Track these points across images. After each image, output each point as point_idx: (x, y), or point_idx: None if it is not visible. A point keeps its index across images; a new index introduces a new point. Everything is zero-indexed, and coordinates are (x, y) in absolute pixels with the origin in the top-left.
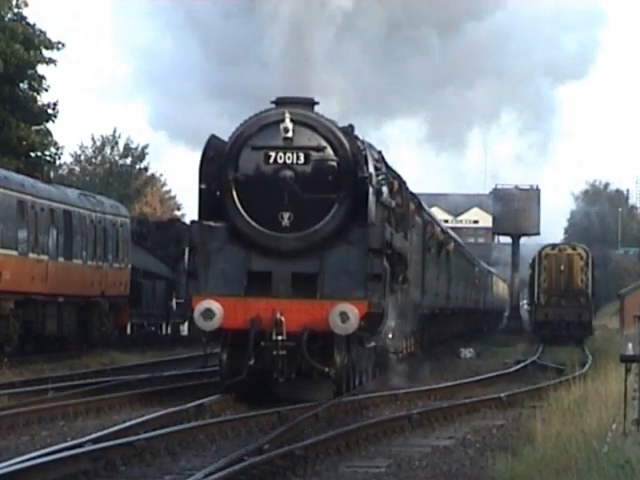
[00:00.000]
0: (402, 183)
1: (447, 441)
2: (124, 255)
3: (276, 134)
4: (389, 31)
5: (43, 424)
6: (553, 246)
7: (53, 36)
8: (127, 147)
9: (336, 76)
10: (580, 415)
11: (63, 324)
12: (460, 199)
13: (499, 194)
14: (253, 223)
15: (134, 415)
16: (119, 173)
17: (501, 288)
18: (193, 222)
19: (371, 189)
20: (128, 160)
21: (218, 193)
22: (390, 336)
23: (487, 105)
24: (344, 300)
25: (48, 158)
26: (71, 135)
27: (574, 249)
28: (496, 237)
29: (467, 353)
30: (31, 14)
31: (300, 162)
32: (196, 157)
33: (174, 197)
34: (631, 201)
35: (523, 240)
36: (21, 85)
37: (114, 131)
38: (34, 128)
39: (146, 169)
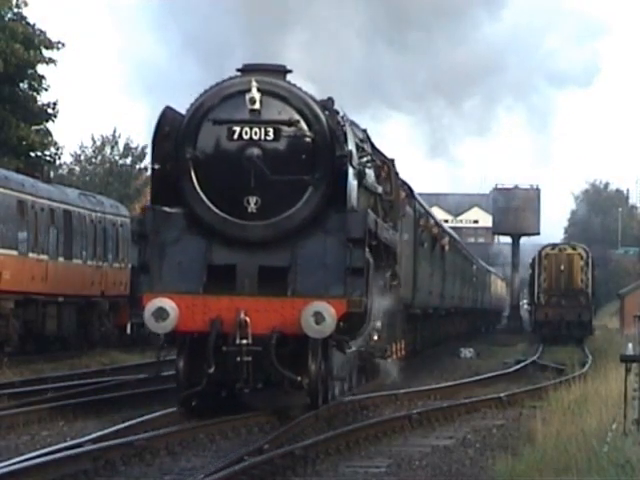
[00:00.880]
0: (391, 168)
1: (447, 441)
2: (124, 255)
3: (241, 106)
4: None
5: (43, 424)
6: (553, 246)
7: (53, 36)
8: (127, 147)
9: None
10: (580, 415)
11: (63, 324)
12: (460, 199)
13: (499, 194)
14: (214, 209)
15: (134, 415)
16: (119, 173)
17: (499, 287)
18: (145, 208)
19: (351, 170)
20: (128, 160)
21: (174, 174)
22: (376, 338)
23: (487, 103)
24: (319, 298)
25: (48, 158)
26: (71, 135)
27: (574, 249)
28: (496, 237)
29: (467, 353)
30: (31, 14)
31: (269, 138)
32: None
33: None
34: (631, 201)
35: (523, 240)
36: (21, 85)
37: (114, 131)
38: (34, 128)
39: (146, 169)
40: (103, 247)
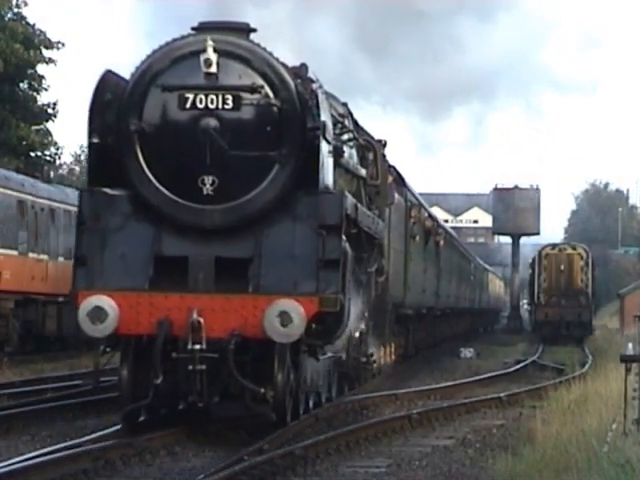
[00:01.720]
0: (378, 150)
1: (447, 441)
2: None
3: (195, 69)
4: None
5: (43, 424)
6: (553, 246)
7: (53, 36)
8: None
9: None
10: (580, 415)
11: (63, 324)
12: (460, 199)
13: (499, 194)
14: (164, 191)
15: None
16: None
17: (497, 286)
18: (83, 191)
19: (325, 145)
20: None
21: (116, 150)
22: (357, 342)
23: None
24: (286, 296)
25: (48, 158)
26: (71, 135)
27: (574, 249)
28: (496, 237)
29: (467, 353)
30: (31, 14)
31: (227, 107)
32: None
33: None
34: (631, 201)
35: (523, 240)
36: (21, 85)
37: None
38: (34, 128)
39: None
40: None
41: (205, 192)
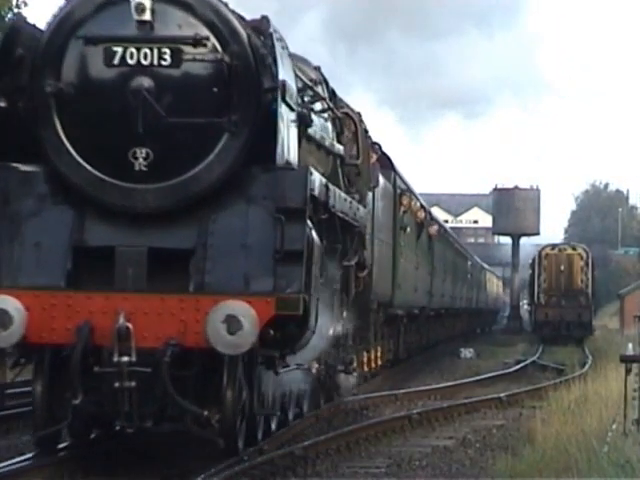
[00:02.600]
0: (358, 124)
1: (447, 441)
2: None
3: (125, 17)
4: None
5: None
6: (553, 246)
7: None
8: None
9: None
10: (580, 415)
11: None
12: (460, 199)
13: (499, 194)
14: (86, 166)
15: None
16: None
17: (496, 286)
18: None
19: (286, 109)
20: None
21: (29, 116)
22: (333, 348)
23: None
24: (235, 295)
25: None
26: None
27: (574, 249)
28: (496, 237)
29: (467, 353)
30: (31, 14)
31: (165, 63)
32: None
33: None
34: (631, 201)
35: (523, 240)
36: None
37: None
38: None
39: None
40: None
41: (137, 168)
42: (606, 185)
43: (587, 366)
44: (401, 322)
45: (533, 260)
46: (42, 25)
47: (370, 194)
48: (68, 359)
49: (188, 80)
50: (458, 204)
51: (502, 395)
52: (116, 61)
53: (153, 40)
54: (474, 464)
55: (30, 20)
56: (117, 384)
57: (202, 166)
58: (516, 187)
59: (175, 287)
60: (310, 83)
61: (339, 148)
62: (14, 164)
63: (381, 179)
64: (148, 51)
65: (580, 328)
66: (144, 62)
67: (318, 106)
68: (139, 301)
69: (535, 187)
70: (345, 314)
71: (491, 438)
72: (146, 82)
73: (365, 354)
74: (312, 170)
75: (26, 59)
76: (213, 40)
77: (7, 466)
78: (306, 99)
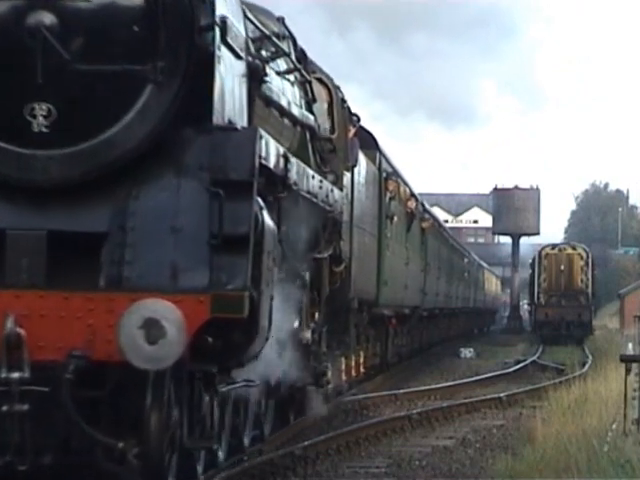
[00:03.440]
0: (335, 93)
1: (447, 441)
2: None
3: None
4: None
5: None
6: (553, 246)
7: None
8: None
9: None
10: (580, 415)
11: None
12: (460, 199)
13: (499, 194)
14: None
15: None
16: None
17: (494, 285)
18: None
19: (229, 55)
20: None
21: None
22: (298, 357)
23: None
24: (157, 293)
25: None
26: None
27: (574, 249)
28: (496, 237)
29: (467, 353)
30: None
31: None
32: None
33: None
34: (631, 201)
35: (523, 240)
36: None
37: None
38: None
39: None
40: None
41: (36, 129)
42: (606, 185)
43: (587, 366)
44: (390, 323)
45: (533, 260)
46: None
47: (348, 175)
48: None
49: (102, 16)
50: (458, 204)
51: (502, 395)
52: None
53: None
54: (474, 464)
55: None
56: (5, 407)
57: (119, 127)
58: (516, 187)
59: (82, 283)
60: (273, 37)
61: (309, 118)
62: None
63: (362, 159)
64: None
65: (580, 328)
66: None
67: (282, 65)
68: (35, 300)
69: (535, 187)
70: (317, 315)
71: (491, 438)
72: (47, 18)
73: (344, 361)
74: (264, 134)
75: None
76: None
77: None
78: (265, 53)
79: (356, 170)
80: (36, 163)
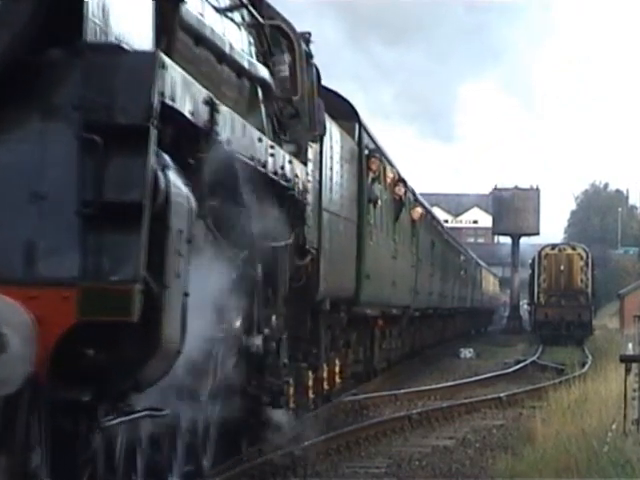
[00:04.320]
0: (297, 45)
1: (447, 441)
2: None
3: None
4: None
5: None
6: (553, 246)
7: None
8: None
9: None
10: (580, 415)
11: None
12: (460, 199)
13: (499, 194)
14: None
15: None
16: None
17: (492, 284)
18: None
19: None
20: None
21: None
22: (246, 372)
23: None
24: (3, 285)
25: None
26: None
27: (574, 249)
28: (496, 237)
29: (467, 353)
30: None
31: None
32: None
33: None
34: (631, 201)
35: (523, 240)
36: None
37: None
38: None
39: None
40: None
41: None
42: (606, 185)
43: (587, 366)
44: (376, 325)
45: (533, 260)
46: None
47: (315, 147)
48: None
49: None
50: (458, 204)
51: (502, 395)
52: None
53: None
54: (474, 464)
55: None
56: None
57: None
58: (516, 187)
59: None
60: None
61: (262, 71)
62: None
63: (337, 131)
64: None
65: (580, 328)
66: None
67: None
68: None
69: (535, 187)
70: (274, 319)
71: (491, 438)
72: None
73: (310, 374)
74: (173, 66)
75: None
76: None
77: None
78: None
79: (327, 143)
80: None
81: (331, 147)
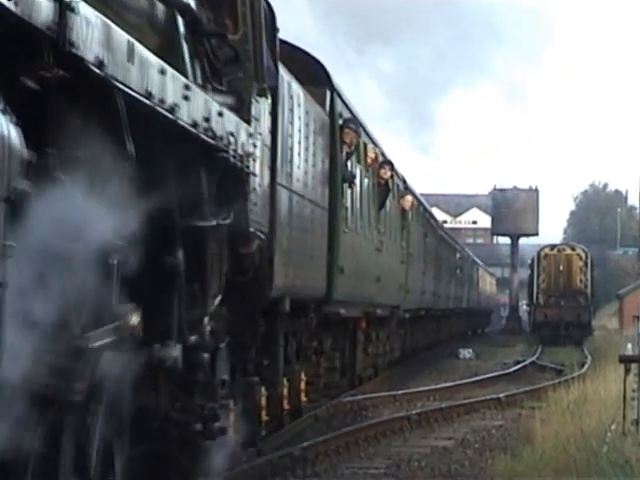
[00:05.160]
0: None
1: (446, 442)
2: None
3: None
4: None
5: None
6: (552, 246)
7: None
8: None
9: None
10: (579, 415)
11: None
12: (459, 199)
13: (498, 194)
14: None
15: None
16: None
17: (489, 284)
18: None
19: None
20: None
21: None
22: (161, 396)
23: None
24: None
25: None
26: None
27: (573, 249)
28: (495, 238)
29: (466, 354)
30: None
31: None
32: None
33: None
34: (630, 202)
35: (522, 241)
36: None
37: None
38: None
39: None
40: None
41: None
42: (605, 185)
43: (586, 366)
44: (358, 327)
45: (532, 260)
46: None
47: (265, 103)
48: None
49: None
50: (457, 204)
51: (501, 395)
52: None
53: None
54: (473, 465)
55: None
56: None
57: None
58: (515, 187)
59: None
60: None
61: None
62: None
63: (301, 94)
64: None
65: (579, 328)
66: None
67: None
68: None
69: (534, 187)
70: (206, 323)
71: (490, 438)
72: None
73: (264, 391)
74: None
75: None
76: None
77: None
78: None
79: (285, 102)
80: None
81: (291, 110)
